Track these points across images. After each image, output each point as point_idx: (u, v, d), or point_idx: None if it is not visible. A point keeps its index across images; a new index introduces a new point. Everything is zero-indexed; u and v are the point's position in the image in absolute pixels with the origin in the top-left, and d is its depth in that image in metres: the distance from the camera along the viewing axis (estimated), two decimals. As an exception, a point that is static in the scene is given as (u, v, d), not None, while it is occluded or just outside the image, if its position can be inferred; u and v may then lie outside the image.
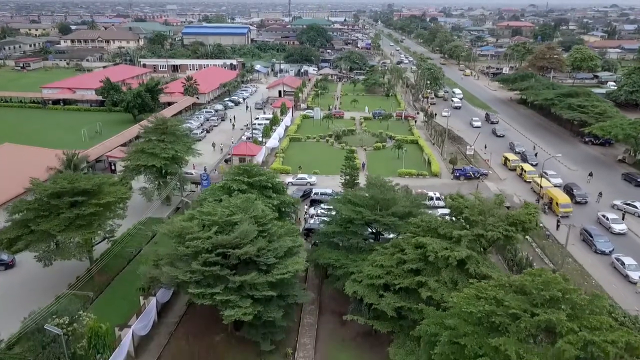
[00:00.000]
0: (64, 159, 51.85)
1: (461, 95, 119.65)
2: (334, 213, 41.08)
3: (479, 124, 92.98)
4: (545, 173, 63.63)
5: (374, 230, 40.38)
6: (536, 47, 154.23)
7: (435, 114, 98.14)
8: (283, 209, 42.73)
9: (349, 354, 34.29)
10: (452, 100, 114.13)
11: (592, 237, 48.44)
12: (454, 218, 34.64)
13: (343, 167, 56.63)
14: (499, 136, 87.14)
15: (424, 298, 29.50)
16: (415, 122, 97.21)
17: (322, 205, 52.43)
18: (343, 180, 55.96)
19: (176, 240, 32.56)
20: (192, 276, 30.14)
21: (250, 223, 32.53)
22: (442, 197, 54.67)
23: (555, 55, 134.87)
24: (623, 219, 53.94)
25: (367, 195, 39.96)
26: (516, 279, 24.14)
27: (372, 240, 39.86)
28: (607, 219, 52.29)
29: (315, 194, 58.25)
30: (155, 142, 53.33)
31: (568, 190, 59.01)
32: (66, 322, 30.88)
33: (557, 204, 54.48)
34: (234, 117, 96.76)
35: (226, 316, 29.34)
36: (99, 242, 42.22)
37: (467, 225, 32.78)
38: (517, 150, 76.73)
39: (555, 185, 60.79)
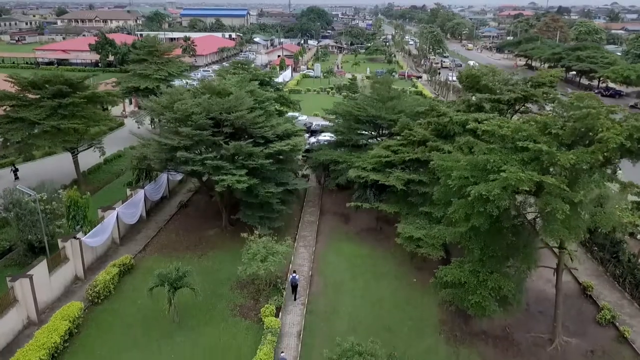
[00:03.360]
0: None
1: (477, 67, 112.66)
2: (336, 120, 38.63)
3: None
4: None
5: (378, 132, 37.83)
6: (539, 23, 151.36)
7: (440, 72, 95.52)
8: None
9: (352, 243, 31.60)
10: None
11: None
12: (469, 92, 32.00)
13: (346, 92, 54.50)
14: None
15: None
16: (419, 79, 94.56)
17: (322, 133, 50.08)
18: None
19: (165, 112, 29.92)
20: (182, 141, 27.44)
21: (247, 97, 29.94)
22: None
23: (559, 25, 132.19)
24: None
25: (373, 97, 37.53)
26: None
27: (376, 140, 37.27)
28: None
29: (316, 125, 55.74)
30: (147, 64, 50.84)
31: None
32: (44, 198, 28.27)
33: None
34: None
35: (218, 181, 26.56)
36: (85, 149, 39.63)
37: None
38: None
39: None
